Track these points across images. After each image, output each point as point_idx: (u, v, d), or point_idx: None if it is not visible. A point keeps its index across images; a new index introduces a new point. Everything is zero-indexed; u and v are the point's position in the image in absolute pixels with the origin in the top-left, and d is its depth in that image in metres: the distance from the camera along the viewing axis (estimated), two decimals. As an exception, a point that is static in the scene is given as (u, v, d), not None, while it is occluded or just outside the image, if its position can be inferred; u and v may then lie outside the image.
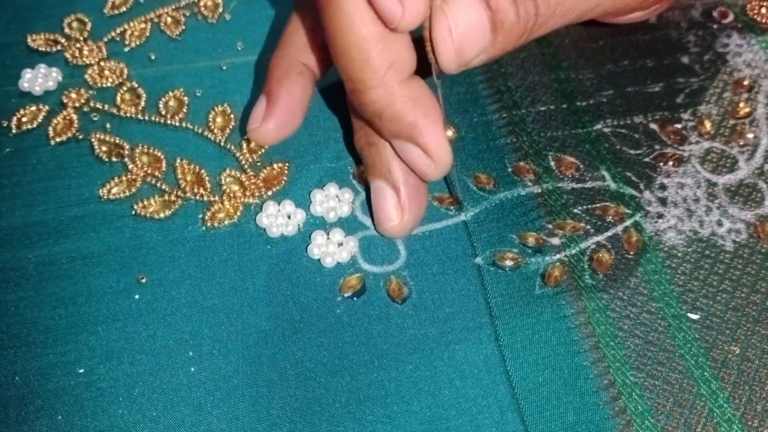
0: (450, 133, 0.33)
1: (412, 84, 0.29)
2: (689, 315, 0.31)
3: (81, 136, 0.36)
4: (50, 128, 0.36)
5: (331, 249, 0.32)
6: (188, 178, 0.34)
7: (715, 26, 0.41)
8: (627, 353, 0.30)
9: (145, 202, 0.33)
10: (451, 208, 0.34)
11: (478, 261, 0.32)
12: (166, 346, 0.30)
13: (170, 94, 0.37)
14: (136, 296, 0.31)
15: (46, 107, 0.36)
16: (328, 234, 0.33)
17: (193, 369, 0.30)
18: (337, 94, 0.35)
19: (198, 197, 0.34)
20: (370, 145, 0.32)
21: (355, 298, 0.32)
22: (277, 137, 0.34)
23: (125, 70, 0.38)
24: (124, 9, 0.40)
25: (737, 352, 0.31)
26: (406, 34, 0.29)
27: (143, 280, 0.32)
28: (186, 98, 0.37)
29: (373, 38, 0.28)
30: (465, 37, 0.28)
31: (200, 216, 0.33)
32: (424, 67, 0.30)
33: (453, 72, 0.30)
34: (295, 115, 0.34)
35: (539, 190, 0.34)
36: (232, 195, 0.34)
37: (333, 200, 0.34)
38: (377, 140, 0.31)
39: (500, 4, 0.29)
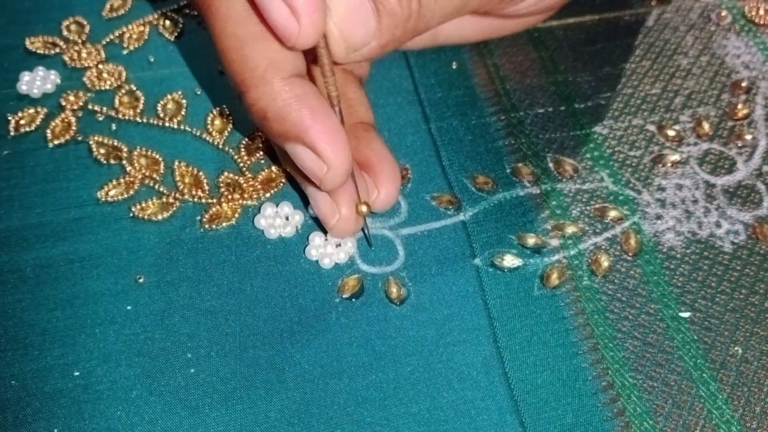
0: (364, 209, 0.30)
1: (296, 82, 0.27)
2: (680, 314, 0.31)
3: (79, 138, 0.36)
4: (48, 131, 0.36)
5: (329, 250, 0.32)
6: (186, 180, 0.34)
7: (713, 28, 0.41)
8: (626, 355, 0.30)
9: (143, 204, 0.33)
10: (450, 207, 0.34)
11: (476, 262, 0.32)
12: (164, 348, 0.30)
13: (168, 96, 0.37)
14: (134, 298, 0.31)
15: (45, 110, 0.36)
16: (325, 235, 0.33)
17: (191, 371, 0.30)
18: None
19: (196, 199, 0.34)
20: (286, 159, 0.31)
21: (353, 300, 0.31)
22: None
23: (123, 73, 0.38)
24: (122, 12, 0.40)
25: (736, 353, 0.31)
26: None
27: (140, 280, 0.32)
28: (184, 101, 0.37)
29: (250, 37, 0.27)
30: (348, 19, 0.27)
31: (198, 218, 0.33)
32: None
33: (343, 60, 0.29)
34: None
35: (538, 191, 0.34)
36: (230, 197, 0.34)
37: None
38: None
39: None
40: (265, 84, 0.27)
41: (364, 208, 0.30)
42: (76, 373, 0.29)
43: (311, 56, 0.29)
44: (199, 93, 0.37)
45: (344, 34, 0.27)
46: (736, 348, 0.31)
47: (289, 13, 0.26)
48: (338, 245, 0.32)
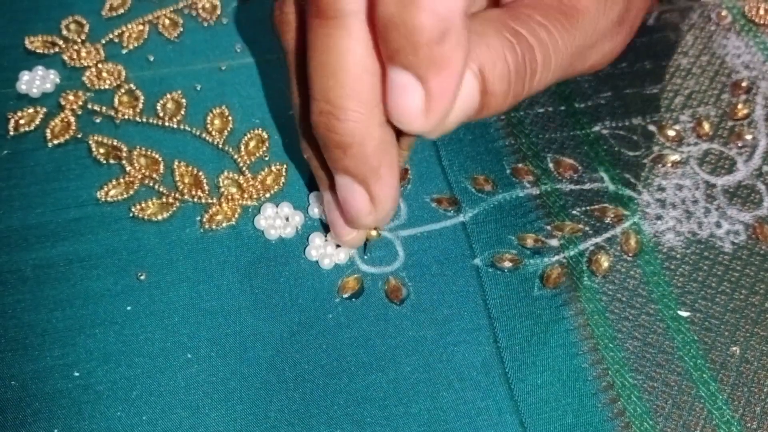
0: (374, 233, 0.31)
1: (387, 129, 0.27)
2: (679, 312, 0.31)
3: (79, 137, 0.35)
4: (48, 130, 0.35)
5: (329, 250, 0.32)
6: (186, 180, 0.34)
7: (713, 28, 0.41)
8: (626, 355, 0.30)
9: (143, 205, 0.33)
10: (450, 209, 0.34)
11: (476, 262, 0.32)
12: (163, 348, 0.30)
13: (168, 96, 0.37)
14: (134, 298, 0.31)
15: (44, 109, 0.36)
16: (326, 235, 0.33)
17: (190, 371, 0.30)
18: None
19: (196, 199, 0.34)
20: (319, 160, 0.30)
21: (353, 300, 0.31)
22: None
23: (123, 72, 0.38)
24: (122, 11, 0.40)
25: (736, 353, 0.31)
26: None
27: (142, 278, 0.32)
28: (184, 100, 0.37)
29: (371, 70, 0.25)
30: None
31: (198, 218, 0.33)
32: None
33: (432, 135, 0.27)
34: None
35: (538, 192, 0.34)
36: (230, 197, 0.34)
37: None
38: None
39: (495, 86, 0.26)
40: (366, 120, 0.26)
41: (374, 233, 0.31)
42: (76, 374, 0.29)
43: None
44: (198, 89, 0.37)
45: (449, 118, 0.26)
46: (734, 348, 0.31)
47: (424, 102, 0.24)
48: (338, 246, 0.32)
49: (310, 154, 0.30)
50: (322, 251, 0.32)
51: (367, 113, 0.26)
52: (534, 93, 0.28)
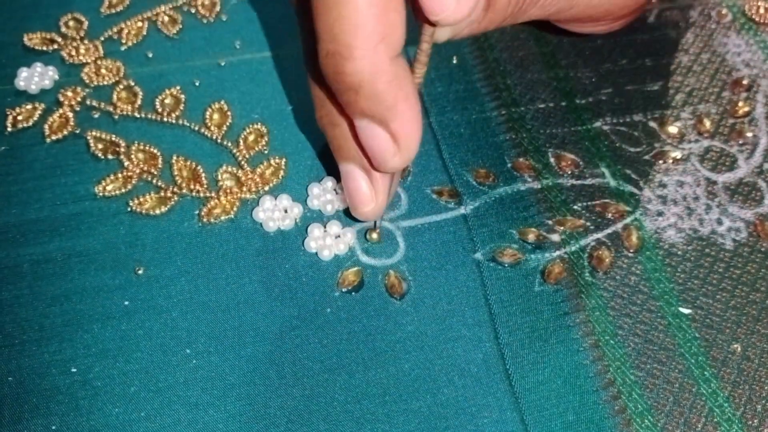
0: (375, 236, 0.32)
1: (399, 63, 0.26)
2: (680, 309, 0.31)
3: (77, 132, 0.35)
4: (46, 126, 0.35)
5: (329, 242, 0.32)
6: (184, 174, 0.34)
7: (713, 26, 0.41)
8: (627, 352, 0.30)
9: (141, 199, 0.33)
10: (451, 200, 0.34)
11: (477, 256, 0.32)
12: (162, 343, 0.30)
13: (167, 91, 0.37)
14: (132, 293, 0.31)
15: (42, 105, 0.36)
16: (325, 226, 0.32)
17: (189, 366, 0.29)
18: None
19: (194, 193, 0.34)
20: (335, 125, 0.29)
21: (352, 294, 0.31)
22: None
23: (122, 69, 0.38)
24: (120, 8, 0.40)
25: (737, 351, 0.30)
26: (403, 7, 0.26)
27: (140, 272, 0.31)
28: (183, 95, 0.37)
29: (374, 2, 0.24)
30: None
31: (196, 212, 0.33)
32: None
33: (444, 36, 0.28)
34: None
35: (539, 186, 0.34)
36: (228, 191, 0.34)
37: (330, 194, 0.33)
38: (341, 120, 0.29)
39: None
40: (374, 60, 0.25)
41: (375, 235, 0.32)
42: (74, 369, 0.29)
43: None
44: (197, 84, 0.37)
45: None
46: (735, 345, 0.31)
47: None
48: (338, 236, 0.32)
49: (327, 120, 0.30)
50: (321, 242, 0.32)
51: (375, 48, 0.25)
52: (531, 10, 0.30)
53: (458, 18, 0.25)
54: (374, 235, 0.32)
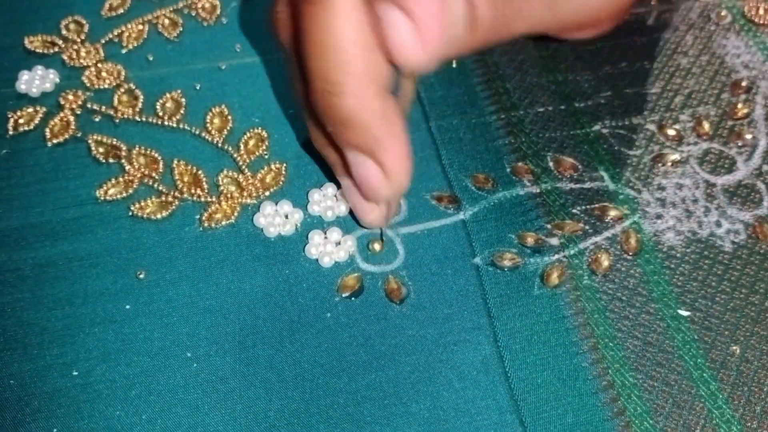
0: (377, 246, 0.32)
1: (386, 97, 0.28)
2: (679, 311, 0.31)
3: (78, 136, 0.35)
4: (47, 130, 0.35)
5: (329, 248, 0.32)
6: (185, 178, 0.34)
7: (712, 27, 0.41)
8: (626, 354, 0.30)
9: (142, 203, 0.33)
10: (450, 206, 0.34)
11: (476, 261, 0.32)
12: (163, 347, 0.30)
13: (168, 95, 0.37)
14: (133, 297, 0.31)
15: (43, 109, 0.36)
16: (325, 233, 0.33)
17: (190, 370, 0.30)
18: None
19: (195, 198, 0.34)
20: (329, 144, 0.31)
21: (353, 299, 0.31)
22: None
23: (123, 72, 0.38)
24: (121, 11, 0.40)
25: (736, 352, 0.31)
26: None
27: (141, 276, 0.32)
28: (183, 99, 0.37)
29: (361, 43, 0.26)
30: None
31: (197, 217, 0.33)
32: None
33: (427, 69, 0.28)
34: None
35: (538, 190, 0.34)
36: (229, 195, 0.34)
37: (331, 200, 0.33)
38: (336, 147, 0.30)
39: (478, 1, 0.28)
40: (362, 92, 0.27)
41: (377, 246, 0.32)
42: (75, 373, 0.29)
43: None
44: (198, 88, 0.37)
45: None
46: (734, 347, 0.31)
47: (415, 33, 0.26)
48: (338, 243, 0.32)
49: (322, 142, 0.31)
50: (322, 249, 0.32)
51: (363, 85, 0.26)
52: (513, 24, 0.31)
53: (422, 64, 0.26)
54: (376, 246, 0.32)
